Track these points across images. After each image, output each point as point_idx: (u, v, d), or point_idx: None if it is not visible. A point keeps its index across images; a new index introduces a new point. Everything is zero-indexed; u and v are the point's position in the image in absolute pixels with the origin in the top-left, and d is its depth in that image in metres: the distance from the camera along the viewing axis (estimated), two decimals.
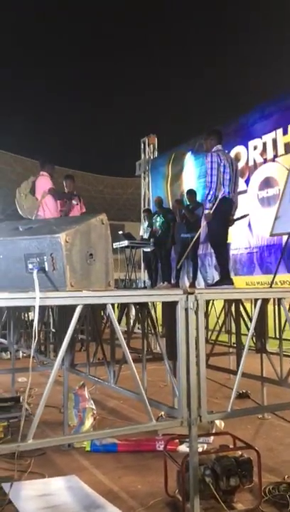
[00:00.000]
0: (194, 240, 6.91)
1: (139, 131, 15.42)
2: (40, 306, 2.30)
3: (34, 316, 2.22)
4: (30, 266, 2.56)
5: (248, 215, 5.82)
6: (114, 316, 2.77)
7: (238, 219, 5.85)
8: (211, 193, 5.09)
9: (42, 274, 2.51)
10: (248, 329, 3.78)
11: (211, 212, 5.13)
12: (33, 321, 5.75)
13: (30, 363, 2.55)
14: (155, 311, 4.52)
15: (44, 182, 6.51)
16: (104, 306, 4.59)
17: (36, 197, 6.47)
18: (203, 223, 7.76)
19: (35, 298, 2.28)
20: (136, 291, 2.87)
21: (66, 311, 4.29)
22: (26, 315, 6.26)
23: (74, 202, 7.31)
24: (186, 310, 2.73)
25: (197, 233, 6.89)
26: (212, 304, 6.43)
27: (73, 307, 2.52)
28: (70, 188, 7.49)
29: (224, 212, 5.27)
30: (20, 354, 7.88)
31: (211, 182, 5.09)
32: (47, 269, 2.53)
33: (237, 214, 5.76)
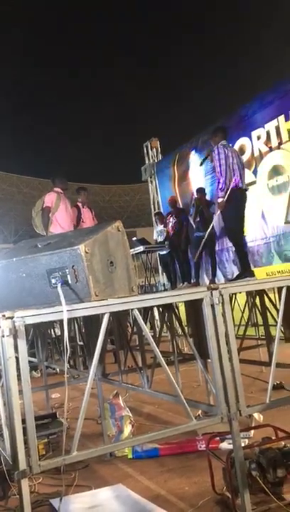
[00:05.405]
0: (206, 235, 6.84)
1: (140, 136, 15.43)
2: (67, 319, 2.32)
3: (64, 329, 2.23)
4: (53, 281, 2.58)
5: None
6: (142, 321, 2.77)
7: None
8: (221, 181, 5.09)
9: (66, 287, 2.53)
10: (274, 319, 3.75)
11: (224, 200, 5.09)
12: (59, 336, 5.85)
13: (66, 378, 2.57)
14: (178, 312, 4.50)
15: (46, 199, 6.57)
16: (128, 313, 4.64)
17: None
18: (215, 218, 7.73)
19: (62, 311, 2.31)
20: (160, 293, 2.87)
21: (92, 322, 4.32)
22: (53, 331, 6.29)
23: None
24: (212, 306, 2.73)
25: (209, 228, 6.86)
26: (235, 298, 6.39)
27: (100, 317, 2.53)
28: (83, 200, 7.56)
29: (238, 202, 5.23)
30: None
31: (221, 171, 5.10)
32: (70, 281, 2.54)
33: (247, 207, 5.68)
